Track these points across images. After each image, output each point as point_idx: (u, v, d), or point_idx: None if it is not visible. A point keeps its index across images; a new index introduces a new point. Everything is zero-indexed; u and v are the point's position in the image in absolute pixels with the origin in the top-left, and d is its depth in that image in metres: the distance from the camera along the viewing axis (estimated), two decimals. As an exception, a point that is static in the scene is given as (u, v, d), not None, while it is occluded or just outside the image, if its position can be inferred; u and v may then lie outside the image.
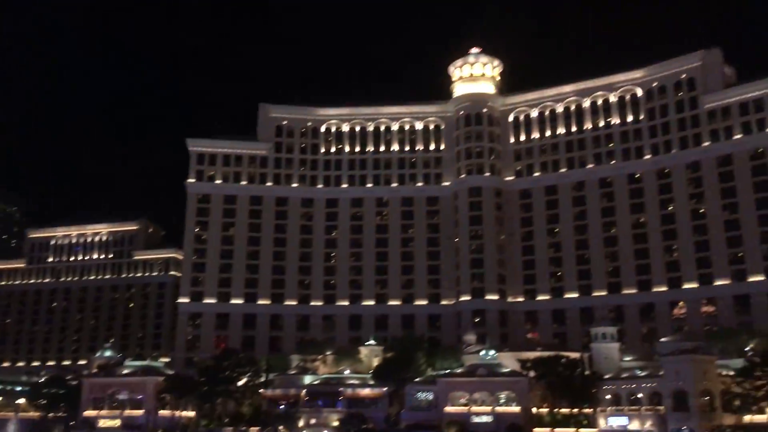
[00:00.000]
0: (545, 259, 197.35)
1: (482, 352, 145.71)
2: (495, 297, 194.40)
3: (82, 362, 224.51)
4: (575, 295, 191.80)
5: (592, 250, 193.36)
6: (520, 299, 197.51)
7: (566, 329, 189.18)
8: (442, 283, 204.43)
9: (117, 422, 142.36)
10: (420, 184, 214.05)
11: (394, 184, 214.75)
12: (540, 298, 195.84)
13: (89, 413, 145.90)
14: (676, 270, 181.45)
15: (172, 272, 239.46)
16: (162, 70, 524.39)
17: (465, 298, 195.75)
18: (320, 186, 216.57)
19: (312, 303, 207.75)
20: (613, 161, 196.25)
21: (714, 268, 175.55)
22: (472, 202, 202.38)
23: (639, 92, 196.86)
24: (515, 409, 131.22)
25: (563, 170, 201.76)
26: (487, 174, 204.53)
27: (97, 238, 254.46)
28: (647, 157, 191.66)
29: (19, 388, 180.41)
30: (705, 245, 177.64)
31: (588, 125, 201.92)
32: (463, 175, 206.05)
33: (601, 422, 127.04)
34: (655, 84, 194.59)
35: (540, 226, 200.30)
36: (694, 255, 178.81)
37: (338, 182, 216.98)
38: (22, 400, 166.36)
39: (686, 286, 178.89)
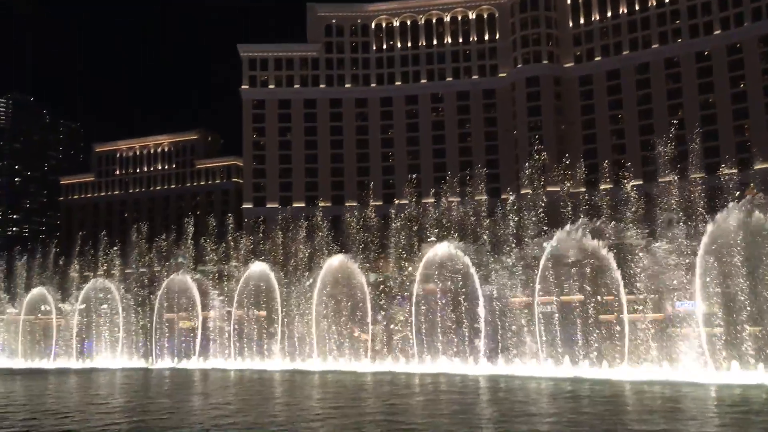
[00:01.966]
0: (608, 147, 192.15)
1: (545, 243, 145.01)
2: (556, 188, 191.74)
3: (156, 269, 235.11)
4: (639, 182, 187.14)
5: (658, 134, 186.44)
6: (582, 189, 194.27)
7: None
8: (502, 177, 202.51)
9: (194, 323, 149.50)
10: (475, 77, 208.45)
11: (449, 79, 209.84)
12: (603, 187, 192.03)
13: (169, 315, 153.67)
14: (747, 151, 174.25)
15: (234, 179, 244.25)
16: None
17: (525, 191, 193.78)
18: (373, 85, 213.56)
19: (372, 203, 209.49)
20: (680, 39, 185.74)
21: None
22: (530, 93, 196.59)
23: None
24: (578, 297, 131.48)
25: (626, 53, 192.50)
26: (545, 62, 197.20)
27: (159, 150, 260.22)
28: (717, 32, 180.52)
29: (101, 295, 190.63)
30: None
31: (652, 2, 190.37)
32: (519, 65, 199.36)
33: (669, 307, 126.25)
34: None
35: (602, 113, 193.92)
36: (766, 134, 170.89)
37: (391, 80, 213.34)
38: (104, 307, 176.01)
39: (758, 167, 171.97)
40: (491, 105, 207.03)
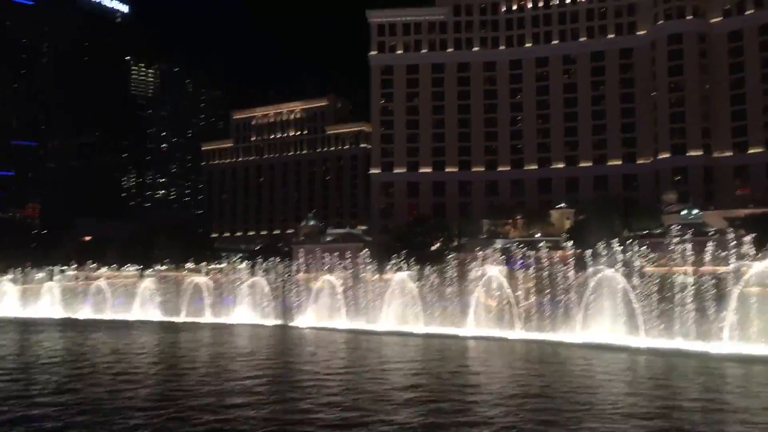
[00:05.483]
0: (759, 107, 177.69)
1: (684, 212, 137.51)
2: (698, 152, 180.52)
3: (289, 231, 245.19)
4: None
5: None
6: (728, 154, 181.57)
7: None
8: (638, 141, 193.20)
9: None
10: (611, 36, 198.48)
11: (583, 39, 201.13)
12: (752, 150, 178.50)
13: (301, 275, 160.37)
14: None
15: (363, 144, 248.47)
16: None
17: (664, 155, 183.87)
18: (502, 47, 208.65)
19: (500, 168, 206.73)
20: None
21: None
22: (672, 51, 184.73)
23: None
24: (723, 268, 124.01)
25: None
26: (689, 17, 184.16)
27: (292, 116, 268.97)
28: None
29: (239, 255, 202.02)
30: None
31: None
32: (660, 21, 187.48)
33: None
34: None
35: (753, 71, 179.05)
36: None
37: (521, 42, 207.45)
38: (243, 265, 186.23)
39: None
40: (628, 65, 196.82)
